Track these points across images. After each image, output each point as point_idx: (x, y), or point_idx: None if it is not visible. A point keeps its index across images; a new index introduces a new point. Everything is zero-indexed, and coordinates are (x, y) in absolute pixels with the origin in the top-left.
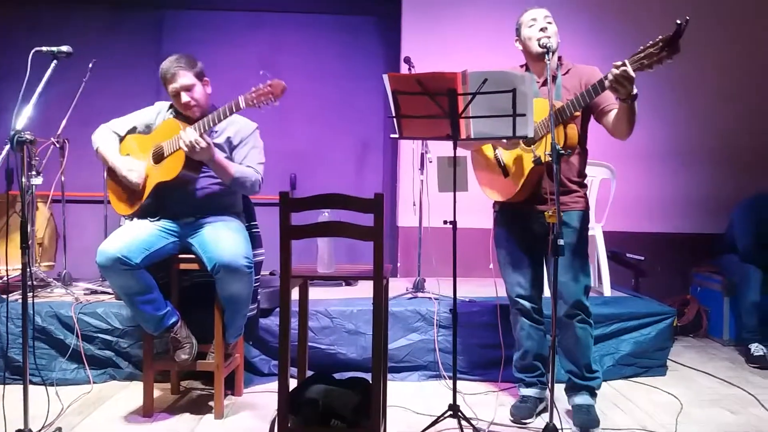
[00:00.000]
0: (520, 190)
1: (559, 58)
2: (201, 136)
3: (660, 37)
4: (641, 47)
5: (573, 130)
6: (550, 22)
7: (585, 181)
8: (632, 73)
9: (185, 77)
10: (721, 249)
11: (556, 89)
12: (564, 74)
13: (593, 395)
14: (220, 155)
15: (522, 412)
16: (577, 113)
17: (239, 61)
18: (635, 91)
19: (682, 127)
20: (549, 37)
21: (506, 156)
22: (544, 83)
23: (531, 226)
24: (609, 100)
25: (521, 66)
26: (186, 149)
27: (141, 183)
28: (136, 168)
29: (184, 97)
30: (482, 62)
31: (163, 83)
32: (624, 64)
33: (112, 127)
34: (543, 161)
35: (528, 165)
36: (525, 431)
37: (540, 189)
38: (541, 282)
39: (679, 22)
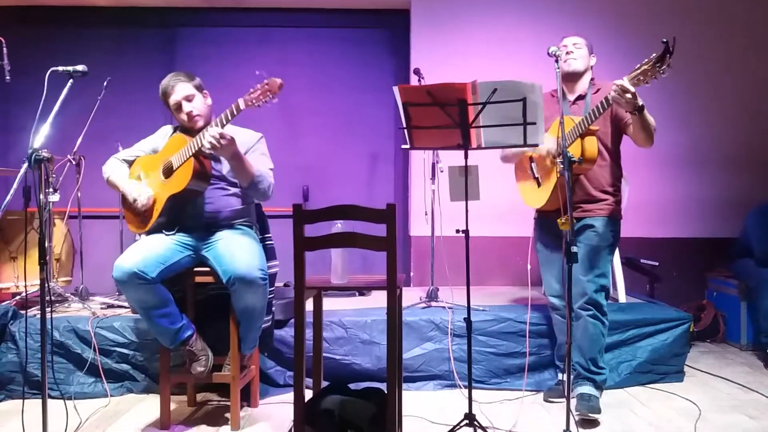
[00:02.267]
0: (549, 199)
1: (592, 79)
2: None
3: (653, 55)
4: (637, 65)
5: (591, 142)
6: (578, 48)
7: (616, 191)
8: (630, 87)
9: (185, 88)
10: (737, 253)
11: (585, 106)
12: (594, 93)
13: (597, 388)
14: (241, 152)
15: (554, 393)
16: (594, 127)
17: (250, 77)
18: (640, 102)
19: (696, 132)
20: (573, 59)
21: (539, 168)
22: (575, 101)
23: (561, 232)
24: (628, 114)
25: (555, 90)
26: (209, 146)
27: (149, 206)
28: (144, 193)
29: (186, 107)
30: (491, 73)
31: (163, 100)
32: (622, 82)
33: (120, 157)
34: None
35: (555, 176)
36: None
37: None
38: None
39: (665, 40)
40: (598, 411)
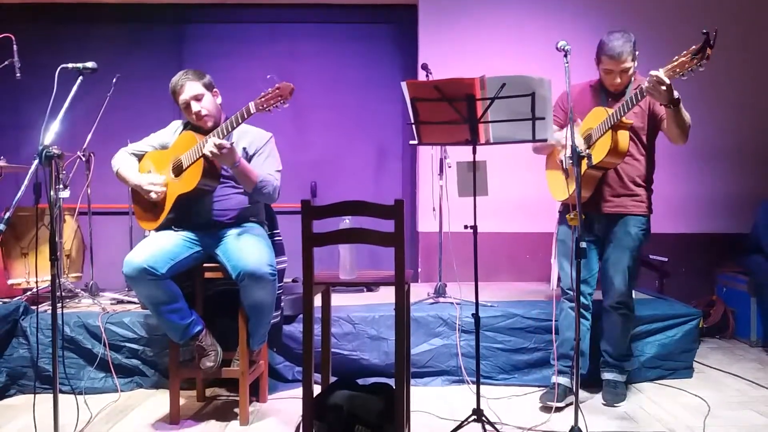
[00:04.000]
0: (574, 192)
1: (633, 75)
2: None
3: (692, 47)
4: (675, 57)
5: (624, 136)
6: (626, 73)
7: (650, 187)
8: (665, 79)
9: (194, 87)
10: (747, 249)
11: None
12: (635, 89)
13: (623, 372)
14: (243, 161)
15: (550, 397)
16: (628, 121)
17: (258, 73)
18: (676, 95)
19: (705, 127)
20: (618, 86)
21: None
22: (615, 98)
23: (592, 227)
24: (664, 110)
25: (597, 81)
26: (210, 155)
27: (161, 197)
28: (156, 182)
29: (195, 107)
30: (500, 67)
31: (173, 97)
32: (657, 73)
33: (129, 150)
34: (594, 163)
35: (583, 168)
36: None
37: (597, 192)
38: (592, 278)
39: (706, 31)
40: (623, 398)
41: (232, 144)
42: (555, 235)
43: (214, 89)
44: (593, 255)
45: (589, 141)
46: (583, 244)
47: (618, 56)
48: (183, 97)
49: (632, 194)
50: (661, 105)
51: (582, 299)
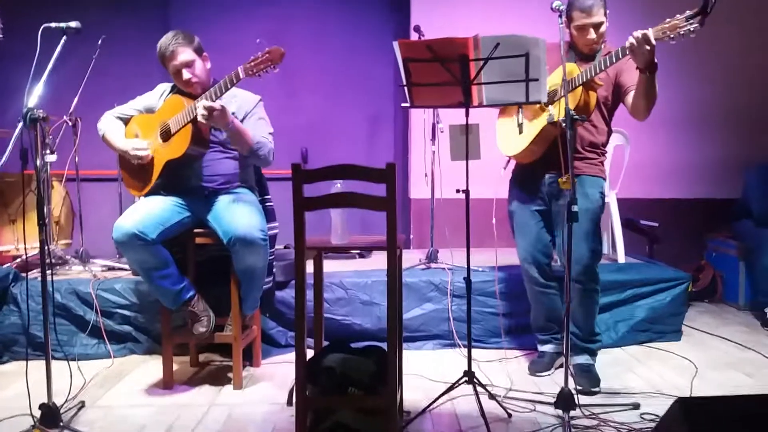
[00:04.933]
0: (527, 149)
1: (603, 43)
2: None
3: (687, 11)
4: (667, 19)
5: (593, 97)
6: (601, 30)
7: (604, 153)
8: (652, 39)
9: (185, 53)
10: (737, 214)
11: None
12: (604, 55)
13: (593, 355)
14: (237, 121)
15: (538, 366)
16: (599, 82)
17: (247, 36)
18: (655, 60)
19: (696, 92)
20: (594, 47)
21: (525, 112)
22: (583, 59)
23: (540, 191)
24: (632, 81)
25: (566, 42)
26: (202, 117)
27: (147, 161)
28: (142, 147)
29: (185, 74)
30: (495, 30)
31: (161, 62)
32: (645, 30)
33: (115, 114)
34: (555, 120)
35: (541, 123)
36: (541, 396)
37: (551, 153)
38: (548, 246)
39: None
40: (598, 383)
41: (222, 106)
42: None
43: (204, 53)
44: (539, 224)
45: (553, 97)
46: (575, 208)
47: (590, 8)
48: (173, 64)
49: (585, 157)
50: (636, 69)
51: (538, 268)
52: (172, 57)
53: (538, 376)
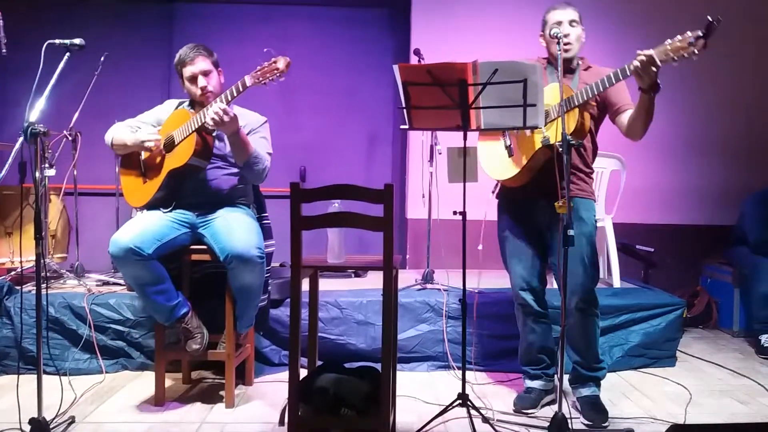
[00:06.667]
0: (520, 173)
1: (581, 58)
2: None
3: (689, 33)
4: (669, 40)
5: (587, 118)
6: (574, 26)
7: (592, 175)
8: (658, 61)
9: (205, 62)
10: (732, 241)
11: (573, 82)
12: (584, 70)
13: (599, 386)
14: (243, 131)
15: (525, 402)
16: (592, 102)
17: (249, 54)
18: (658, 81)
19: (693, 119)
20: (571, 47)
21: (514, 135)
22: (565, 74)
23: (534, 217)
24: (625, 100)
25: (544, 58)
26: (212, 122)
27: (159, 147)
28: (152, 132)
29: (201, 81)
30: (493, 54)
31: (178, 68)
32: (650, 52)
33: (124, 123)
34: (551, 142)
35: (536, 145)
36: (534, 420)
37: (543, 176)
38: (543, 272)
39: (710, 19)
40: (608, 416)
41: (234, 114)
42: (482, 226)
43: (219, 68)
44: (534, 249)
45: (546, 118)
46: (571, 232)
47: (566, 4)
48: (191, 69)
49: (575, 179)
50: (639, 89)
51: (534, 298)
52: (192, 63)
53: (523, 413)
